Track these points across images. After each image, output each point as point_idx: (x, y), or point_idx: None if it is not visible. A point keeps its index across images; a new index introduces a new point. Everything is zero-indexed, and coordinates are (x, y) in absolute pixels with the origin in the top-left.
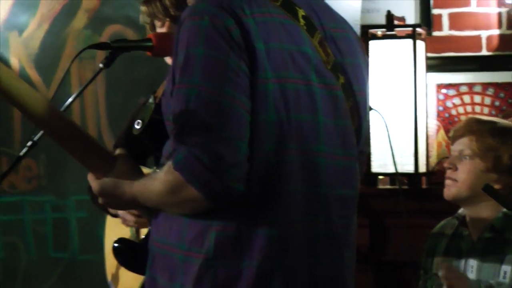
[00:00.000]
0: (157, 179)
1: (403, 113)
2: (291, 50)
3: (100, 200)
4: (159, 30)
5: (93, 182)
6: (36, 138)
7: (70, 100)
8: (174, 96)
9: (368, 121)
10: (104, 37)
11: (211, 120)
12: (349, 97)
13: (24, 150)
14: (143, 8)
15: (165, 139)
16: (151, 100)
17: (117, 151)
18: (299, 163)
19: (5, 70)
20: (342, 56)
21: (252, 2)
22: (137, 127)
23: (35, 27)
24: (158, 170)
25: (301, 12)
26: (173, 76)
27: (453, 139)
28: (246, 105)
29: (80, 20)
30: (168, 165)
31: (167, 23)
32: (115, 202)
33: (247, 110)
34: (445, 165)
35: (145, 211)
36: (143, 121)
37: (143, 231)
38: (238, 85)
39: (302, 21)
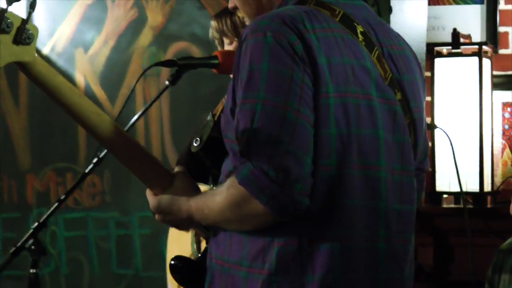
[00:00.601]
0: (218, 195)
1: (468, 132)
2: (352, 64)
3: (156, 217)
4: (227, 47)
5: (150, 197)
6: (101, 155)
7: (135, 117)
8: (238, 112)
9: (425, 139)
10: (169, 54)
11: (276, 134)
12: (406, 113)
13: (90, 166)
14: (213, 22)
15: (223, 156)
16: (209, 117)
17: (176, 169)
18: (360, 177)
19: (70, 87)
20: (399, 72)
21: (312, 17)
22: (195, 144)
23: (101, 44)
24: (215, 188)
25: (359, 28)
26: (233, 93)
27: None
28: (310, 119)
29: (145, 37)
30: (231, 180)
31: (235, 42)
32: (171, 219)
33: (311, 124)
34: None
35: (202, 228)
36: (201, 138)
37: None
38: (302, 99)
39: (360, 37)
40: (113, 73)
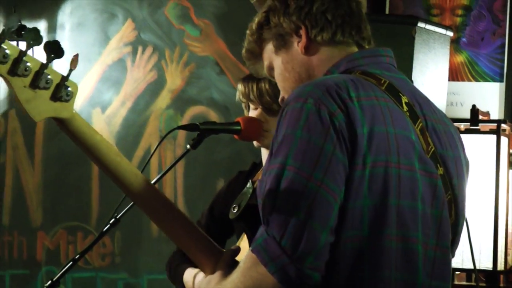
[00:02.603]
0: (234, 272)
1: (484, 209)
2: (397, 134)
3: None
4: (252, 112)
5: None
6: (118, 215)
7: (154, 180)
8: (266, 175)
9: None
10: (186, 118)
11: (295, 203)
12: (448, 189)
13: (106, 227)
14: (240, 86)
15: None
16: (249, 185)
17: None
18: (398, 250)
19: (108, 146)
20: (443, 148)
21: (358, 84)
22: (233, 211)
23: (119, 105)
24: None
25: (404, 99)
26: (270, 157)
27: None
28: (335, 193)
29: (163, 99)
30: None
31: (259, 109)
32: None
33: (335, 197)
34: None
35: None
36: (239, 206)
37: None
38: (328, 171)
39: (405, 107)
40: (129, 134)
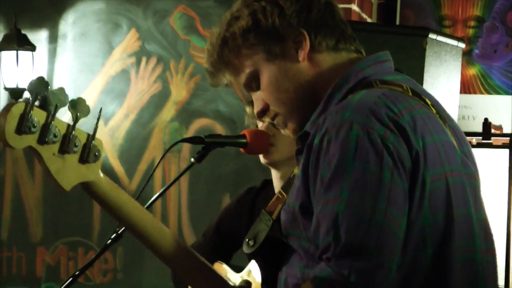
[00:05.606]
0: None
1: (496, 225)
2: (442, 141)
3: None
4: (259, 126)
5: None
6: (120, 231)
7: (157, 195)
8: (319, 212)
9: None
10: (191, 130)
11: (361, 238)
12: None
13: (108, 242)
14: (248, 109)
15: (282, 256)
16: (264, 216)
17: (238, 283)
18: (460, 261)
19: (133, 205)
20: (462, 145)
21: (394, 99)
22: (249, 245)
23: (122, 117)
24: None
25: (428, 101)
26: (304, 190)
27: None
28: (400, 221)
29: (168, 112)
30: (306, 285)
31: (266, 122)
32: None
33: (400, 225)
34: None
35: None
36: (255, 239)
37: None
38: (391, 199)
39: (433, 110)
40: (133, 147)
